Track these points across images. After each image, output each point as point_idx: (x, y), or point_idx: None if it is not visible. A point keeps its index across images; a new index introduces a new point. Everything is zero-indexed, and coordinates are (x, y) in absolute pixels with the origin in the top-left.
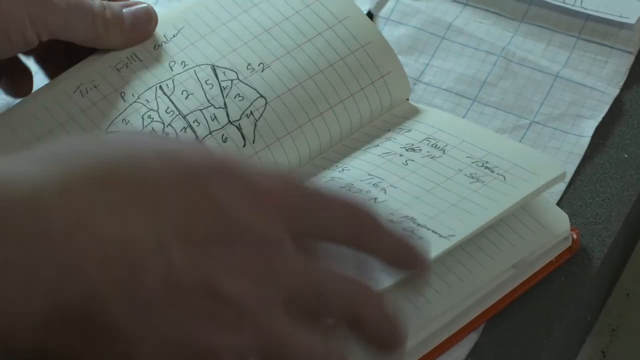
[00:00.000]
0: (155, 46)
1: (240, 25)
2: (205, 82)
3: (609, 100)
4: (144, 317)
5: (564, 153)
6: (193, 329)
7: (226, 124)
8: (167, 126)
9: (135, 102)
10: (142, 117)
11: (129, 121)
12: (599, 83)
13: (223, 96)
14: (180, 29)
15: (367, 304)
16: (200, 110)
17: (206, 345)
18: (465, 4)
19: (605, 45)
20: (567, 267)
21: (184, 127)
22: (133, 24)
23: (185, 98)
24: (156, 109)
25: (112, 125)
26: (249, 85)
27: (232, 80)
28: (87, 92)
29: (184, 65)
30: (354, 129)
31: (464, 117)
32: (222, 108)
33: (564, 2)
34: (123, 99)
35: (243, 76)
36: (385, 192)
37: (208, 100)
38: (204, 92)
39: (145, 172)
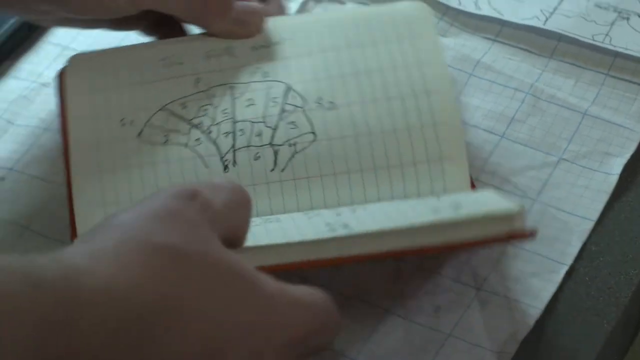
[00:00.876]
0: (254, 47)
1: (336, 58)
2: (273, 99)
3: (638, 137)
4: None
5: (591, 191)
6: None
7: (266, 145)
8: (214, 124)
9: (203, 91)
10: (199, 107)
11: (186, 106)
12: (628, 120)
13: (279, 119)
14: (285, 40)
15: None
16: (251, 122)
17: None
18: (494, 40)
19: (634, 82)
20: (595, 304)
21: (227, 132)
22: (239, 17)
23: (246, 106)
24: (216, 105)
25: (170, 104)
26: (307, 118)
27: (296, 106)
28: (170, 66)
29: (265, 76)
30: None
31: (491, 153)
32: (272, 129)
33: (593, 39)
34: (195, 85)
35: (308, 107)
36: (354, 212)
37: (263, 117)
38: (265, 107)
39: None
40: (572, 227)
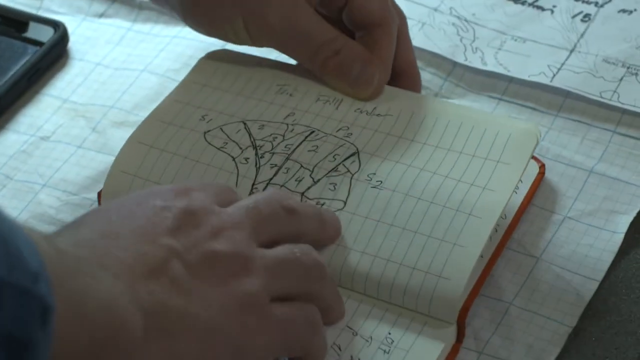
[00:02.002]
0: (358, 110)
1: (415, 150)
2: (335, 155)
3: None
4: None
5: (596, 250)
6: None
7: (298, 192)
8: (270, 152)
9: (286, 124)
10: (271, 134)
11: (262, 128)
12: (635, 177)
13: (326, 175)
14: (390, 116)
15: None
16: (301, 165)
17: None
18: (500, 99)
19: None
20: None
21: (275, 165)
22: (357, 81)
23: (308, 151)
24: (286, 138)
25: (251, 121)
26: (349, 186)
27: (348, 171)
28: (281, 93)
29: (346, 136)
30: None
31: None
32: (313, 181)
33: (601, 97)
34: (286, 117)
35: (357, 178)
36: None
37: (314, 166)
38: (323, 160)
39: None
40: (576, 287)
